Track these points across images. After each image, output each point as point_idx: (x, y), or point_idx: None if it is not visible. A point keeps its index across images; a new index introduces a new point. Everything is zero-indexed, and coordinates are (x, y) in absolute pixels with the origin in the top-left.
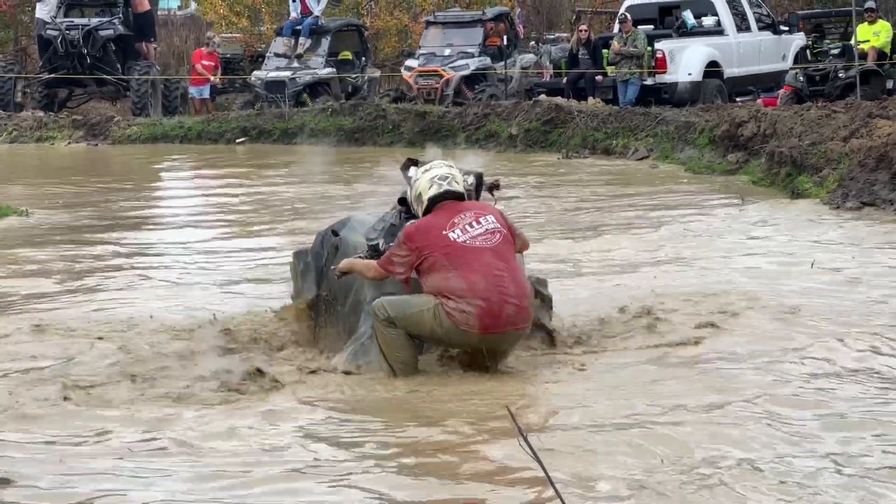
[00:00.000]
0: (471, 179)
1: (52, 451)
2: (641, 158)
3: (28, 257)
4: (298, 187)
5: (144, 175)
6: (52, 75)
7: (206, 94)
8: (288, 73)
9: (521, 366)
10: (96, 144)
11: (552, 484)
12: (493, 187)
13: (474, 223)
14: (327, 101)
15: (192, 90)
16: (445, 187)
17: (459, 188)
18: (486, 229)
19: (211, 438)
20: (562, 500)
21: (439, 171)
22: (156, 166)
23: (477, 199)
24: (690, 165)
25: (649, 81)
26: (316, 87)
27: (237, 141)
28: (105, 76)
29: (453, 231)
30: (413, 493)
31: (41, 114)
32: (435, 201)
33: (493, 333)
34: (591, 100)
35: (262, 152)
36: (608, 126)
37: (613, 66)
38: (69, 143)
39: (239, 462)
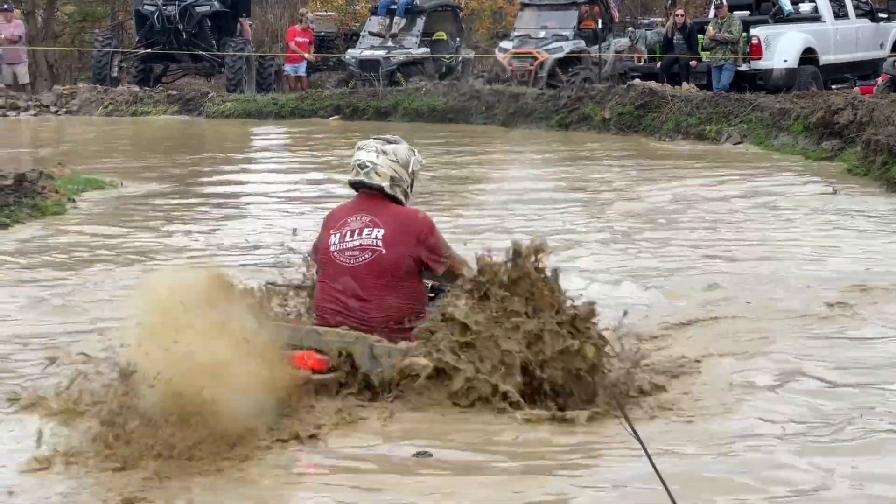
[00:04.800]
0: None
1: None
2: (735, 144)
3: (114, 229)
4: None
5: (238, 150)
6: (149, 50)
7: (301, 72)
8: (382, 53)
9: None
10: (191, 118)
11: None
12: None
13: (356, 233)
14: (421, 80)
15: (287, 67)
16: (361, 177)
17: (377, 182)
18: (360, 245)
19: None
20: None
21: (365, 155)
22: (249, 142)
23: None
24: (784, 152)
25: (744, 67)
26: (410, 67)
27: (330, 119)
28: (200, 52)
29: (336, 233)
30: None
31: (137, 88)
32: (353, 186)
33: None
34: (685, 85)
35: (355, 129)
36: (702, 111)
37: (708, 52)
38: (164, 115)
39: None
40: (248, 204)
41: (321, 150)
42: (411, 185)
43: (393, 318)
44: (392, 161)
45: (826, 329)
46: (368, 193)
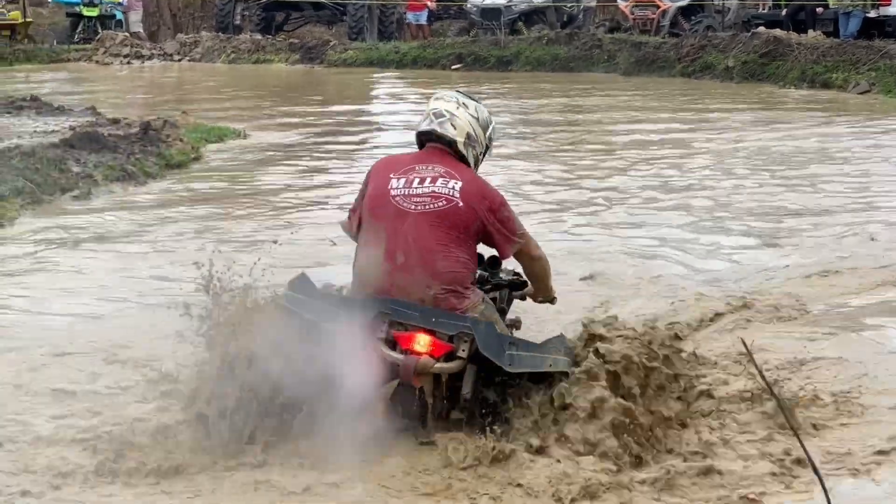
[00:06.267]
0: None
1: None
2: (863, 93)
3: (244, 180)
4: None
5: (362, 99)
6: None
7: (423, 20)
8: (504, 1)
9: None
10: (311, 67)
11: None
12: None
13: (429, 180)
14: (542, 29)
15: (409, 16)
16: (434, 126)
17: (451, 134)
18: (433, 192)
19: None
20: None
21: (444, 104)
22: (372, 90)
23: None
24: None
25: (872, 14)
26: (531, 16)
27: (452, 67)
28: (322, 0)
29: (401, 177)
30: None
31: (259, 36)
32: (421, 139)
33: None
34: (811, 32)
35: (477, 77)
36: (828, 59)
37: None
38: (286, 64)
39: None
40: (376, 153)
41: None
42: (484, 154)
43: (456, 279)
44: (472, 117)
45: None
46: (437, 148)
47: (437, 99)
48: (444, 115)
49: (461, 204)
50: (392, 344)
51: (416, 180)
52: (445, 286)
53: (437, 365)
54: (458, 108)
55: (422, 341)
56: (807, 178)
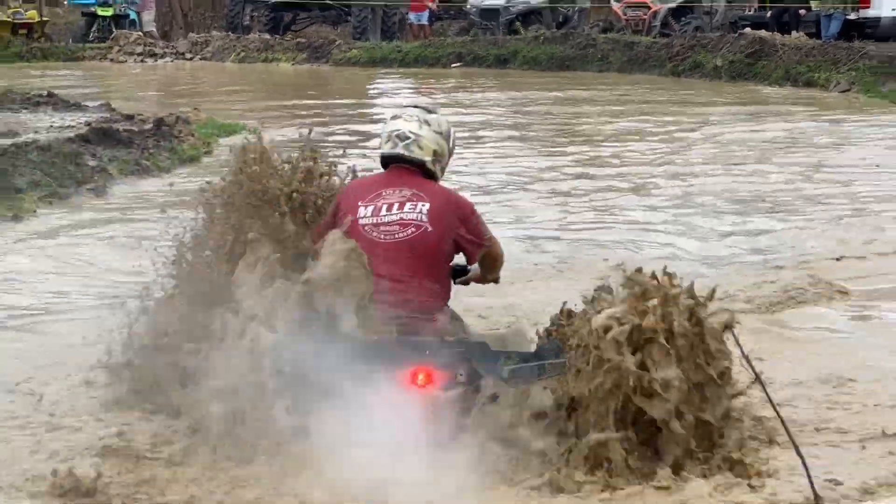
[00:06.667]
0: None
1: None
2: (843, 91)
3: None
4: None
5: (365, 95)
6: (279, 0)
7: (424, 20)
8: (502, 2)
9: None
10: (317, 65)
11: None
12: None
13: (396, 206)
14: (539, 29)
15: (411, 16)
16: (399, 150)
17: (419, 156)
18: (400, 219)
19: None
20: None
21: (406, 125)
22: (376, 88)
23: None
24: (891, 98)
25: (853, 16)
26: (528, 16)
27: (453, 65)
28: (328, 1)
29: (368, 205)
30: None
31: (267, 36)
32: (385, 161)
33: None
34: (794, 33)
35: (476, 75)
36: (811, 59)
37: (818, 1)
38: (293, 63)
39: None
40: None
41: (447, 92)
42: (447, 161)
43: (425, 306)
44: (436, 132)
45: None
46: (403, 168)
47: (395, 118)
48: (409, 137)
49: (430, 228)
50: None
51: (384, 207)
52: (415, 313)
53: (443, 396)
54: (420, 126)
55: (420, 378)
56: (780, 167)
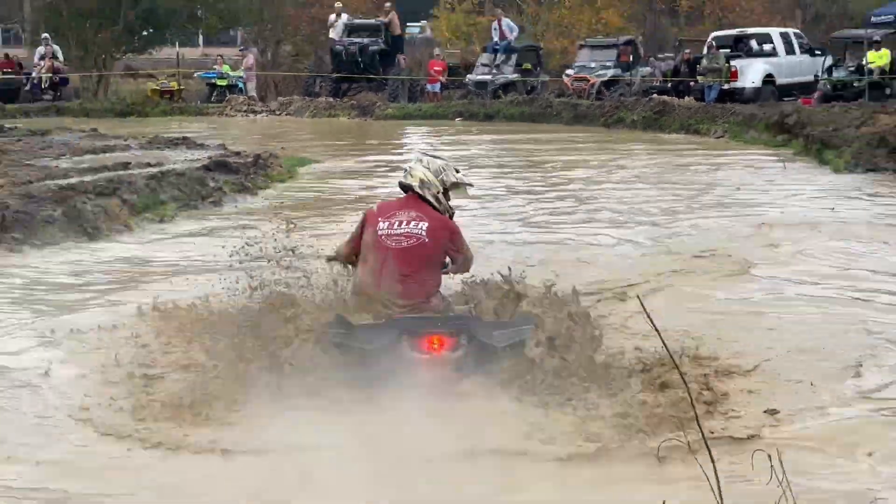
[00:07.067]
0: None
1: None
2: (718, 137)
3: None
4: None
5: (396, 138)
6: (339, 74)
7: (437, 89)
8: (489, 77)
9: None
10: (365, 119)
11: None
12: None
13: (404, 223)
14: (514, 95)
15: (429, 86)
16: (401, 178)
17: (409, 181)
18: (406, 232)
19: None
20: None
21: (411, 163)
22: (403, 134)
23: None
24: (751, 142)
25: (726, 87)
26: (507, 87)
27: (456, 119)
28: (372, 76)
29: (386, 221)
30: None
31: (331, 99)
32: (400, 186)
33: None
34: (686, 98)
35: (472, 126)
36: (698, 115)
37: (703, 76)
38: (349, 118)
39: None
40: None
41: (451, 135)
42: (444, 193)
43: (422, 292)
44: (425, 167)
45: None
46: (413, 196)
47: (410, 161)
48: (406, 170)
49: (427, 240)
50: (416, 346)
51: (397, 223)
52: (416, 297)
53: (450, 356)
54: (416, 163)
55: (435, 342)
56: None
